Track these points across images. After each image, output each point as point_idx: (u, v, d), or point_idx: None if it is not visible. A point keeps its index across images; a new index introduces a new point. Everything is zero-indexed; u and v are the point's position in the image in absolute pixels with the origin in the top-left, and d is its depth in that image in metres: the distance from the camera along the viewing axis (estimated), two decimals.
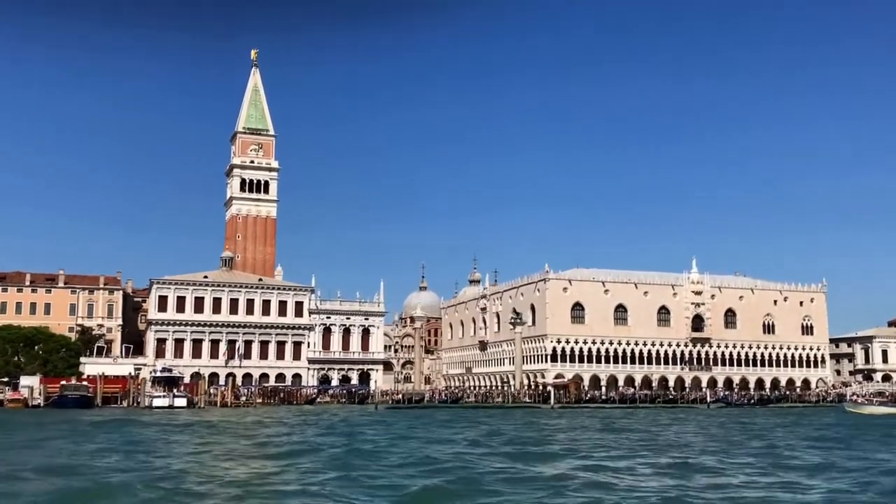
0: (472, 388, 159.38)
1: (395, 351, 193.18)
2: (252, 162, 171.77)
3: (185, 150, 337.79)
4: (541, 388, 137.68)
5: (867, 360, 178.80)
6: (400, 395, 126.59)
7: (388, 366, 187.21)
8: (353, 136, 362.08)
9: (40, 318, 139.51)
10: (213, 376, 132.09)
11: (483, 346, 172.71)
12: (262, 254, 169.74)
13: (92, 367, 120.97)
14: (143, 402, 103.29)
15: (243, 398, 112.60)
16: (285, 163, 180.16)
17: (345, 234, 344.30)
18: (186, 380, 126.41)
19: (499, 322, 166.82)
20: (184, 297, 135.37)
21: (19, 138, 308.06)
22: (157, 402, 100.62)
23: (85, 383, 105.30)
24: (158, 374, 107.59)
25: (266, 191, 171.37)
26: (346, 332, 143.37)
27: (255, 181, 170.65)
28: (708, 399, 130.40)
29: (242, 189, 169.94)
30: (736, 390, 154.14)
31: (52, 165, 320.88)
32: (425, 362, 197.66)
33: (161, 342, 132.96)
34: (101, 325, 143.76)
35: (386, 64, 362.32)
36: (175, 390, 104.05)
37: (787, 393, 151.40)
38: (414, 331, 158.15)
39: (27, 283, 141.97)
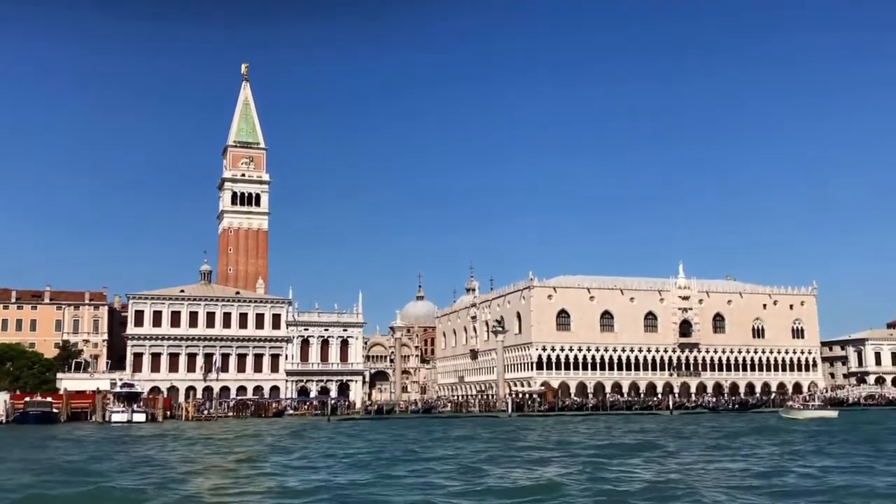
0: (456, 396, 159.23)
1: (391, 361, 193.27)
2: (243, 175, 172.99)
3: (176, 164, 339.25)
4: (517, 396, 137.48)
5: (860, 363, 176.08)
6: (374, 406, 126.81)
7: (383, 375, 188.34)
8: (345, 146, 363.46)
9: (26, 334, 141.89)
10: (191, 390, 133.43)
11: (474, 354, 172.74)
12: (255, 266, 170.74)
13: (68, 382, 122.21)
14: (105, 418, 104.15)
15: (205, 412, 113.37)
16: (277, 175, 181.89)
17: (339, 246, 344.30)
18: (165, 394, 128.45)
19: (488, 331, 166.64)
20: (160, 312, 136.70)
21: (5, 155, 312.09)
22: (115, 417, 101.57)
23: (49, 399, 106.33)
24: (119, 389, 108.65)
25: (257, 203, 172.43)
26: (325, 343, 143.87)
27: (246, 194, 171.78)
28: (670, 405, 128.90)
29: (234, 202, 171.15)
30: (726, 395, 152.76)
31: (41, 180, 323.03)
32: (421, 371, 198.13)
33: (138, 356, 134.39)
34: (86, 341, 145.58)
35: (375, 76, 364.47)
36: (135, 405, 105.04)
37: (774, 397, 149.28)
38: (395, 341, 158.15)
39: (13, 300, 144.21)
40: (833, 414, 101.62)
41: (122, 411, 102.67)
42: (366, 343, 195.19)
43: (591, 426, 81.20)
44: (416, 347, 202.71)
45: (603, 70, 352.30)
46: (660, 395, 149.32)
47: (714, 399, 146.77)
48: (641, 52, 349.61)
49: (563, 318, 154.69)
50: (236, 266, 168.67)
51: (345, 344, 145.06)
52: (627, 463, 41.18)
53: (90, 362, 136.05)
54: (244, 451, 52.61)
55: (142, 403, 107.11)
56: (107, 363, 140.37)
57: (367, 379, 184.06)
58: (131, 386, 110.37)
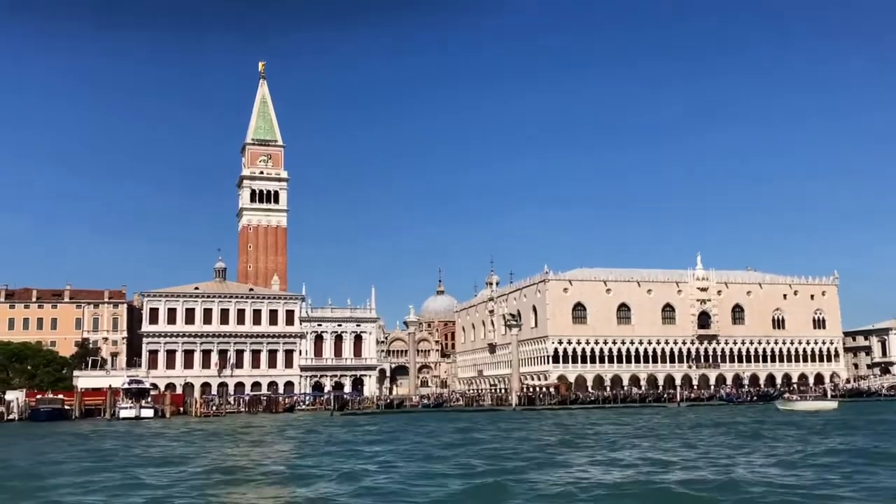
0: (474, 390, 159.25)
1: None
2: (261, 173, 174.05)
3: (196, 162, 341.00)
4: (530, 389, 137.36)
5: (884, 353, 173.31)
6: (384, 402, 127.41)
7: (405, 370, 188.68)
8: (363, 142, 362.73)
9: (47, 332, 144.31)
10: (206, 386, 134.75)
11: (492, 348, 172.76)
12: (274, 263, 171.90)
13: (85, 379, 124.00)
14: (115, 414, 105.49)
15: (214, 407, 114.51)
16: (295, 172, 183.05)
17: (359, 242, 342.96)
18: (180, 390, 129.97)
19: (505, 324, 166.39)
20: (174, 309, 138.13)
21: (27, 153, 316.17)
22: (123, 413, 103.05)
23: (60, 397, 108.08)
24: (127, 385, 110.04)
25: (276, 201, 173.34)
26: (339, 338, 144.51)
27: (264, 191, 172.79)
28: (678, 398, 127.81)
29: (253, 200, 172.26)
30: (746, 387, 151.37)
31: (61, 181, 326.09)
32: (441, 365, 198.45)
33: (153, 353, 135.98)
34: (106, 339, 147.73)
35: (392, 71, 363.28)
36: (143, 401, 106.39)
37: (794, 387, 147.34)
38: (409, 335, 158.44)
39: (34, 300, 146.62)
40: (833, 405, 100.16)
41: (130, 407, 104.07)
42: (386, 338, 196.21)
43: (558, 423, 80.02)
44: (437, 342, 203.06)
45: (617, 64, 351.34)
46: (679, 388, 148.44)
47: (732, 391, 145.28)
48: (657, 44, 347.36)
49: (579, 310, 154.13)
50: (256, 263, 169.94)
51: (358, 339, 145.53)
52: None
53: (106, 360, 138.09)
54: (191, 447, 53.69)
55: (150, 399, 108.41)
56: (126, 360, 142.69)
57: (389, 374, 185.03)
58: (140, 382, 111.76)
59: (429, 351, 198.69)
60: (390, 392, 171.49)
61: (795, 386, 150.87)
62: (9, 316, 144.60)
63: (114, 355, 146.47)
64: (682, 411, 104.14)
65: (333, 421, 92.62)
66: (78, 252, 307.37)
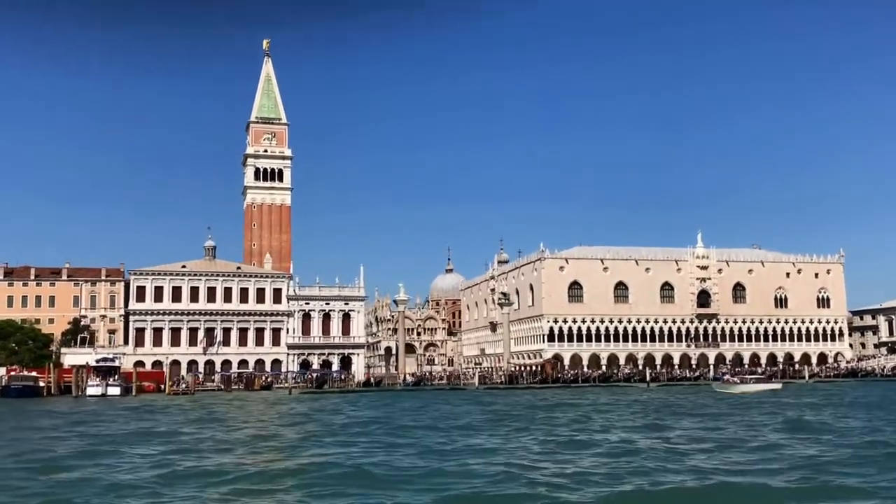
0: (471, 368, 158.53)
1: (418, 334, 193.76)
2: (265, 151, 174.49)
3: (202, 140, 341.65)
4: (516, 368, 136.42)
5: (891, 333, 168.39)
6: (363, 380, 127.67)
7: (410, 348, 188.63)
8: (368, 120, 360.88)
9: (45, 310, 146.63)
10: (192, 364, 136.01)
11: (493, 327, 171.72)
12: (278, 241, 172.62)
13: (72, 357, 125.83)
14: (85, 391, 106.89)
15: (184, 386, 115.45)
16: (299, 150, 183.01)
17: (365, 219, 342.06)
18: (165, 369, 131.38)
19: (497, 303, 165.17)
20: (161, 287, 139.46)
21: (30, 130, 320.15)
22: (90, 391, 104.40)
23: (34, 374, 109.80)
24: (97, 362, 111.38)
25: (280, 179, 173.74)
26: (326, 317, 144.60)
27: (268, 170, 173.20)
28: (648, 378, 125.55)
29: (257, 178, 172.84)
30: (746, 366, 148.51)
31: (64, 159, 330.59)
32: (448, 343, 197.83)
33: (140, 331, 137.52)
34: (103, 316, 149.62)
35: (398, 49, 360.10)
36: (111, 379, 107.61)
37: (787, 367, 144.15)
38: (398, 314, 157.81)
39: (32, 277, 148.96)
40: (776, 387, 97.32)
41: (97, 385, 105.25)
42: (393, 316, 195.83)
43: (482, 402, 79.38)
44: (444, 320, 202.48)
45: (618, 43, 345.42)
46: (677, 367, 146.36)
47: (724, 371, 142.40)
48: (650, 18, 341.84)
49: (575, 289, 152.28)
50: (260, 241, 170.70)
51: (346, 317, 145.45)
52: None
53: (97, 338, 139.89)
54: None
55: (117, 377, 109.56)
56: (123, 338, 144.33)
57: (395, 351, 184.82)
58: (110, 360, 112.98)
59: (435, 329, 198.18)
60: (396, 369, 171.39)
61: (797, 364, 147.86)
62: (7, 294, 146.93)
63: (111, 332, 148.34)
64: (640, 391, 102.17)
65: (283, 398, 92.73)
66: (79, 230, 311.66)
